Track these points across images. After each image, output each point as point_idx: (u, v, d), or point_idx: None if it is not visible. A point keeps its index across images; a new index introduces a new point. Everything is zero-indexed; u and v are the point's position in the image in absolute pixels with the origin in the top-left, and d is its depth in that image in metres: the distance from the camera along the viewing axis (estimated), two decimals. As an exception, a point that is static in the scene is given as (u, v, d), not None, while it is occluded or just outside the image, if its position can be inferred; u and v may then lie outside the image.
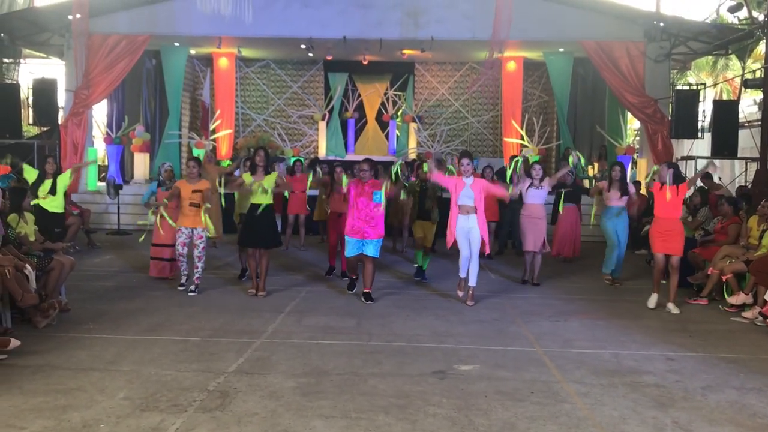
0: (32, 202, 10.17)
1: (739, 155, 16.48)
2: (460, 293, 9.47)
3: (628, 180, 11.06)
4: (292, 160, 17.82)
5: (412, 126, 21.65)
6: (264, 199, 9.34)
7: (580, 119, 21.24)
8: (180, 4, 16.29)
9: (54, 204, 10.37)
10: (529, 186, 10.52)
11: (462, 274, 9.38)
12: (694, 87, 17.15)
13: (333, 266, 11.07)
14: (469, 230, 9.11)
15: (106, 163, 19.42)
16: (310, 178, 11.69)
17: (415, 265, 11.15)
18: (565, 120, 19.10)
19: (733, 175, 19.62)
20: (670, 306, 9.07)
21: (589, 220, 12.10)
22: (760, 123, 14.84)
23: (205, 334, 7.49)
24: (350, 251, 9.32)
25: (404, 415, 5.24)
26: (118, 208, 16.04)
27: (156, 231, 10.06)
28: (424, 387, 5.89)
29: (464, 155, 9.46)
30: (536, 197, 10.50)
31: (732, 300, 9.01)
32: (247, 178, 9.50)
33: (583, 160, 10.49)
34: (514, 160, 11.71)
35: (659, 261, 9.24)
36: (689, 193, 11.30)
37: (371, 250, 9.24)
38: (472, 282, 9.24)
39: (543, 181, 10.57)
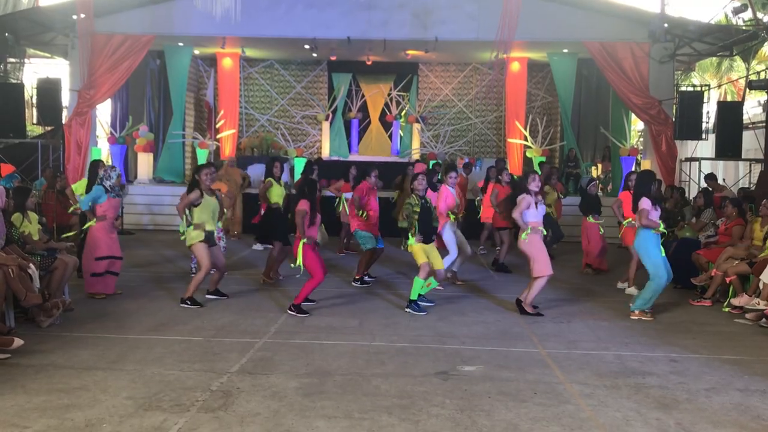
0: None
1: (743, 157, 16.46)
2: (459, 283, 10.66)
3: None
4: (296, 161, 17.91)
5: (416, 126, 21.64)
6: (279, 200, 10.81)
7: (584, 120, 21.24)
8: (184, 4, 16.28)
9: None
10: (537, 203, 8.80)
11: (454, 268, 10.53)
12: (699, 88, 17.15)
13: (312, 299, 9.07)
14: (454, 231, 10.26)
15: (110, 163, 19.43)
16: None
17: (410, 299, 8.96)
18: (569, 121, 19.09)
19: (737, 176, 19.60)
20: (633, 290, 10.10)
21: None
22: (764, 124, 14.86)
23: (208, 334, 7.49)
24: (373, 243, 10.47)
25: (407, 416, 5.23)
26: (122, 208, 16.01)
27: (98, 243, 9.15)
28: (427, 387, 5.89)
29: (451, 168, 10.58)
30: (540, 214, 8.84)
31: (736, 301, 9.00)
32: (276, 188, 10.96)
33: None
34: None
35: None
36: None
37: (382, 243, 10.67)
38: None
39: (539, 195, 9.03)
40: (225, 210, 9.83)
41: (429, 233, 8.87)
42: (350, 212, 10.78)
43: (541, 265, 8.64)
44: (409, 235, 8.75)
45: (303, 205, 8.45)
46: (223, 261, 9.26)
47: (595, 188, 12.30)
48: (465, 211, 11.87)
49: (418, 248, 8.79)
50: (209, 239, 8.84)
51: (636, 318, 8.66)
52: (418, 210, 8.72)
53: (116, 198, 9.39)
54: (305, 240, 8.39)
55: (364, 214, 10.42)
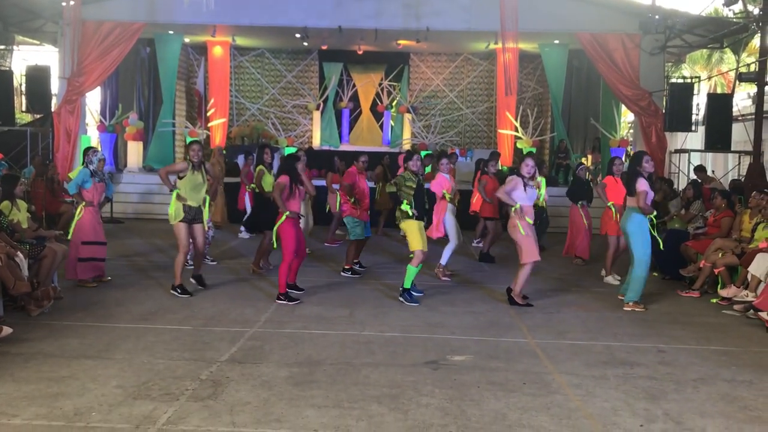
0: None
1: (732, 149, 16.52)
2: (444, 278, 10.37)
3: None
4: (286, 150, 17.87)
5: (407, 117, 21.62)
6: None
7: (575, 111, 21.27)
8: (174, -9, 16.21)
9: None
10: (525, 186, 8.59)
11: (444, 262, 10.40)
12: (689, 80, 17.18)
13: (295, 285, 9.13)
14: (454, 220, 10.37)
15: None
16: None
17: (404, 288, 8.90)
18: (560, 112, 19.13)
19: (726, 168, 19.68)
20: (611, 279, 10.40)
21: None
22: (753, 117, 14.90)
23: (198, 323, 7.49)
24: (361, 232, 10.44)
25: (396, 405, 5.24)
26: (110, 194, 15.95)
27: (84, 228, 9.17)
28: (416, 377, 5.91)
29: (444, 155, 10.80)
30: (531, 198, 8.67)
31: (724, 293, 9.05)
32: (267, 177, 10.56)
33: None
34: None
35: (615, 243, 10.44)
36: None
37: (368, 231, 10.65)
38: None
39: (534, 179, 8.74)
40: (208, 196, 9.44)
41: (422, 212, 8.91)
42: (342, 199, 10.75)
43: (527, 251, 8.58)
44: (404, 204, 8.77)
45: (281, 179, 8.54)
46: (202, 242, 9.13)
47: (583, 172, 12.24)
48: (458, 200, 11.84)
49: (414, 226, 8.77)
50: (188, 215, 8.81)
51: (630, 309, 8.67)
52: (413, 185, 8.78)
53: (100, 183, 9.38)
54: (288, 213, 8.47)
55: (355, 201, 10.40)
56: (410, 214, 8.74)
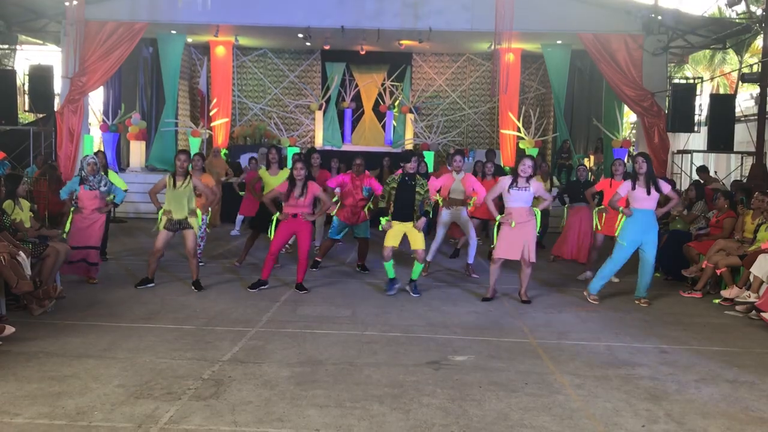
0: None
1: (735, 149, 16.52)
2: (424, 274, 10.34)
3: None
4: (289, 150, 17.89)
5: (409, 117, 21.63)
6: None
7: (577, 112, 21.27)
8: (176, -9, 16.24)
9: None
10: (510, 186, 8.69)
11: (430, 258, 10.47)
12: (691, 81, 17.18)
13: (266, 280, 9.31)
14: (455, 219, 10.42)
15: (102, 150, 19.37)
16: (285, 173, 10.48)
17: (390, 277, 9.31)
18: (562, 112, 19.11)
19: (728, 169, 19.66)
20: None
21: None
22: (756, 117, 14.89)
23: (200, 323, 7.49)
24: (338, 233, 10.59)
25: (398, 405, 5.25)
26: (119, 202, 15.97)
27: (71, 233, 9.30)
28: (418, 377, 5.91)
29: (457, 153, 10.42)
30: (519, 200, 8.67)
31: (726, 293, 9.04)
32: (264, 174, 10.67)
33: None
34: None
35: (600, 241, 10.56)
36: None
37: (364, 232, 10.56)
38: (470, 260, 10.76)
39: (530, 181, 8.73)
40: (201, 205, 9.59)
41: (404, 212, 9.02)
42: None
43: (497, 248, 8.86)
44: (383, 219, 9.12)
45: (279, 187, 9.07)
46: (191, 246, 9.12)
47: (584, 173, 11.81)
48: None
49: (393, 228, 9.08)
50: (172, 226, 9.04)
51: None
52: (395, 186, 9.03)
53: (91, 190, 9.37)
54: (277, 215, 9.03)
55: (336, 199, 10.46)
56: (381, 226, 9.11)
